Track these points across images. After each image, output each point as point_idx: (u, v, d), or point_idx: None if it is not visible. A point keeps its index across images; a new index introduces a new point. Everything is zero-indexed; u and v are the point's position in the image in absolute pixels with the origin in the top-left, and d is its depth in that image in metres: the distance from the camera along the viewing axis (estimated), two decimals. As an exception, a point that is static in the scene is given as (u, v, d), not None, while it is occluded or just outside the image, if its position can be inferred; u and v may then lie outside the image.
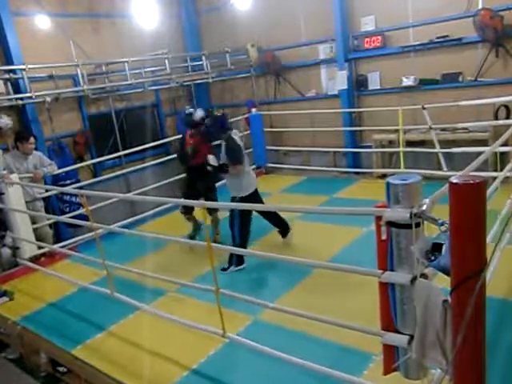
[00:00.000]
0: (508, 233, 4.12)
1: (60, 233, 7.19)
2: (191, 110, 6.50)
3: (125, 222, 6.41)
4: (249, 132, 8.85)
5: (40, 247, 5.79)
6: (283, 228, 5.54)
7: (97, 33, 8.44)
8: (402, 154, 7.10)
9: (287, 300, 4.13)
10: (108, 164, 8.31)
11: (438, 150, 6.72)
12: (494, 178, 3.97)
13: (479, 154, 3.36)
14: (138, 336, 3.98)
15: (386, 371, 2.47)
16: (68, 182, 6.85)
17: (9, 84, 6.81)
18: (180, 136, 6.47)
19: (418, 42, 7.44)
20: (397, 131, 7.17)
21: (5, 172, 5.40)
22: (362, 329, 2.73)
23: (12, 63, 6.91)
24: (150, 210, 7.04)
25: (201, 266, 4.79)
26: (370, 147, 8.07)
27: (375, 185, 7.15)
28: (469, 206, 1.84)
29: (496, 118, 6.72)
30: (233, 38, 9.34)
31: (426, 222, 2.14)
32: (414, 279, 2.18)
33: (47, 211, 6.44)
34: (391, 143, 7.73)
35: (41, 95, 7.04)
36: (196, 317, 3.82)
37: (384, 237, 2.26)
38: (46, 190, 6.17)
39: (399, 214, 2.14)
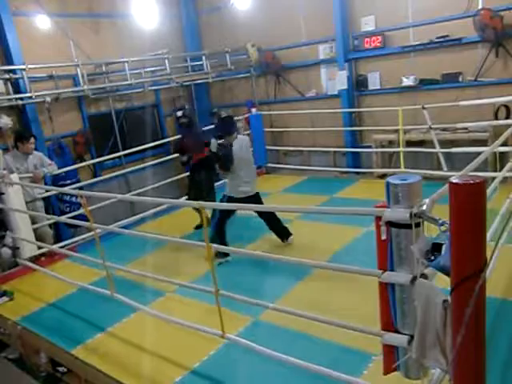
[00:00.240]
0: (507, 232, 4.12)
1: (60, 233, 7.20)
2: (179, 112, 6.65)
3: (124, 221, 6.41)
4: (249, 132, 8.85)
5: (40, 247, 5.79)
6: (283, 234, 5.47)
7: (97, 33, 8.44)
8: (401, 154, 7.11)
9: (287, 300, 4.13)
10: (108, 164, 8.32)
11: (437, 149, 6.73)
12: (494, 178, 3.97)
13: (479, 153, 3.36)
14: (137, 336, 3.98)
15: (386, 371, 2.47)
16: (68, 181, 6.85)
17: (9, 84, 6.83)
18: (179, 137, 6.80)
19: (418, 42, 7.45)
20: (397, 131, 7.17)
21: (5, 172, 5.40)
22: (361, 329, 2.73)
23: (12, 63, 6.92)
24: (150, 210, 7.04)
25: (200, 266, 4.79)
26: (370, 147, 8.07)
27: (375, 185, 7.14)
28: (469, 206, 1.84)
29: (496, 118, 6.72)
30: (233, 37, 9.35)
31: (426, 222, 2.14)
32: (414, 279, 2.18)
33: (47, 211, 6.44)
34: (391, 143, 7.73)
35: (41, 95, 7.05)
36: (196, 317, 3.82)
37: (384, 237, 2.26)
38: (46, 190, 6.17)
39: (399, 214, 2.14)
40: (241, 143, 5.31)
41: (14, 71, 6.87)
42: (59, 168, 6.50)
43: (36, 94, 6.96)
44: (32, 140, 6.03)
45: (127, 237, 4.95)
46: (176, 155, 8.09)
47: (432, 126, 6.71)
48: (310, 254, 5.00)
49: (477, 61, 7.00)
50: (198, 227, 6.26)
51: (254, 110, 8.93)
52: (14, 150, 6.13)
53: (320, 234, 5.63)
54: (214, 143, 5.29)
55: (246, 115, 8.98)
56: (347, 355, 3.33)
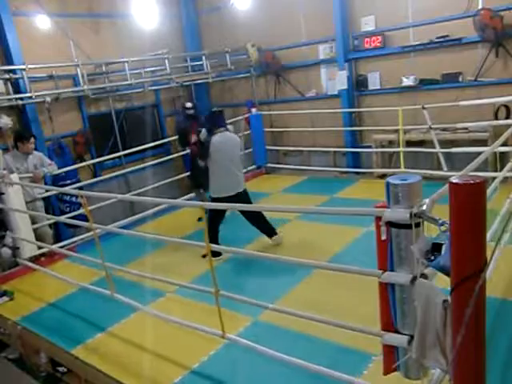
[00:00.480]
0: (507, 232, 4.12)
1: (60, 233, 7.20)
2: (188, 104, 6.72)
3: (124, 221, 6.40)
4: (249, 132, 8.86)
5: (40, 247, 5.79)
6: (270, 233, 5.48)
7: (97, 33, 8.44)
8: (401, 154, 7.10)
9: (287, 300, 4.13)
10: (108, 164, 8.32)
11: (437, 149, 6.72)
12: (494, 178, 3.97)
13: (479, 153, 3.36)
14: (138, 336, 3.98)
15: (386, 371, 2.47)
16: (68, 181, 6.84)
17: (9, 84, 6.83)
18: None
19: (418, 42, 7.44)
20: (397, 131, 7.16)
21: (5, 172, 5.40)
22: (362, 329, 2.73)
23: (12, 63, 6.92)
24: (150, 210, 7.03)
25: (200, 266, 4.78)
26: (370, 147, 8.07)
27: (375, 185, 7.14)
28: (469, 206, 1.84)
29: (496, 118, 6.72)
30: (233, 38, 9.35)
31: (425, 222, 2.14)
32: (413, 279, 2.18)
33: (47, 211, 6.44)
34: (391, 143, 7.73)
35: (41, 95, 7.05)
36: (196, 317, 3.81)
37: (384, 237, 2.26)
38: (46, 190, 6.17)
39: (399, 214, 2.14)
40: (226, 138, 5.36)
41: (14, 71, 6.87)
42: (59, 168, 6.50)
43: (36, 94, 6.96)
44: (32, 140, 6.03)
45: (127, 237, 4.94)
46: (176, 155, 8.15)
47: (432, 126, 6.71)
48: (310, 254, 5.00)
49: (477, 61, 7.00)
50: (200, 218, 6.28)
51: (253, 110, 8.92)
52: (13, 150, 6.14)
53: (320, 234, 5.62)
54: (204, 133, 5.45)
55: (246, 115, 8.97)
56: (347, 355, 3.33)
